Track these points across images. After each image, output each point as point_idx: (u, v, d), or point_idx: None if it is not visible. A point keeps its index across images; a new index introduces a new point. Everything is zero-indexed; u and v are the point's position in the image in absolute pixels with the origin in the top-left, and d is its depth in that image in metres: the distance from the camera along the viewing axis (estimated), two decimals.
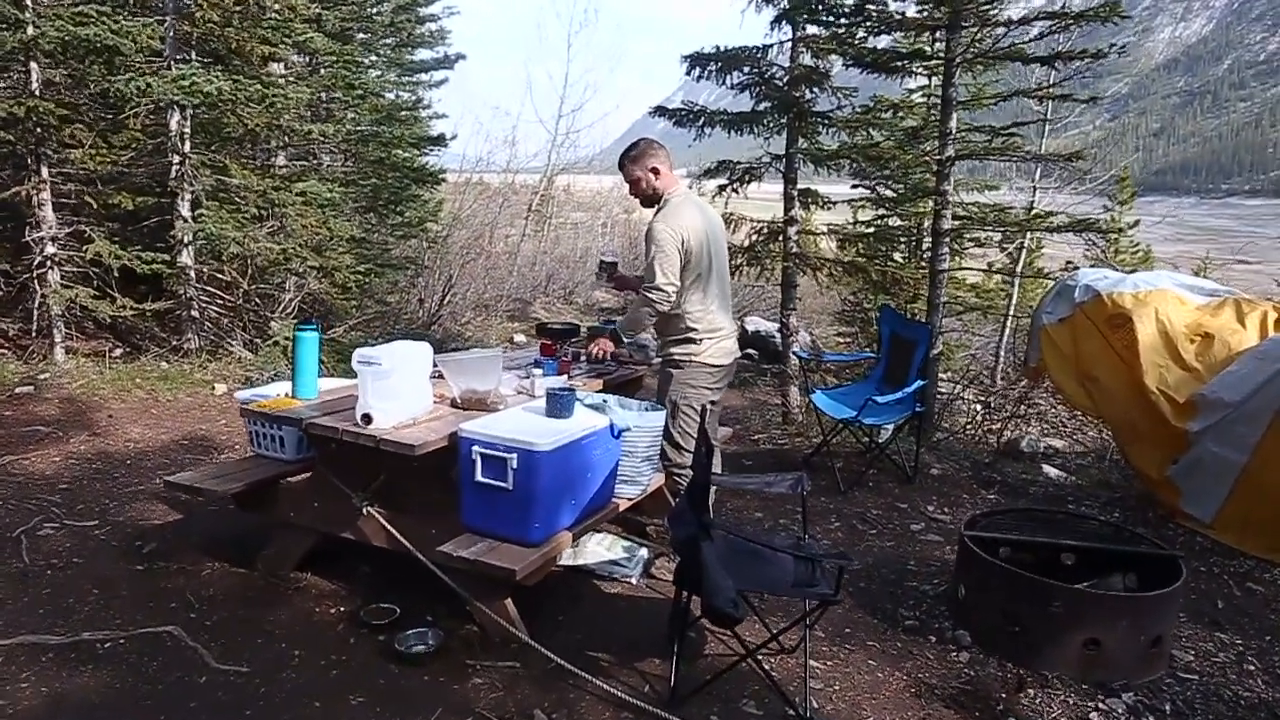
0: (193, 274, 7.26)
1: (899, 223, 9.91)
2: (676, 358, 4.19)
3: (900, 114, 6.66)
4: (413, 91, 10.01)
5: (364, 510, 3.79)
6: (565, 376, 4.49)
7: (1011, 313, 10.23)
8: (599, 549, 4.34)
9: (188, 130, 7.07)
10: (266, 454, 4.30)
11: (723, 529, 3.56)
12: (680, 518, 3.51)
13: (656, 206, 4.19)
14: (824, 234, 7.70)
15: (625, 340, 4.41)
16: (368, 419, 3.48)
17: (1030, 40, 6.07)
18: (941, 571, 4.45)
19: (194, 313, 7.36)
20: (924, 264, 9.32)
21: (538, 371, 4.27)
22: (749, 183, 7.47)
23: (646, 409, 4.19)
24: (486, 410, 3.85)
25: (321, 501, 3.97)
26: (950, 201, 6.14)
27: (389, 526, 3.74)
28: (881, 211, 9.77)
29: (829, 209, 7.90)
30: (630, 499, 4.13)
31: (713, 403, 4.35)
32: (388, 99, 9.49)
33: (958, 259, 8.83)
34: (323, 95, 9.23)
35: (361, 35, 10.05)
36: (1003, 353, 9.78)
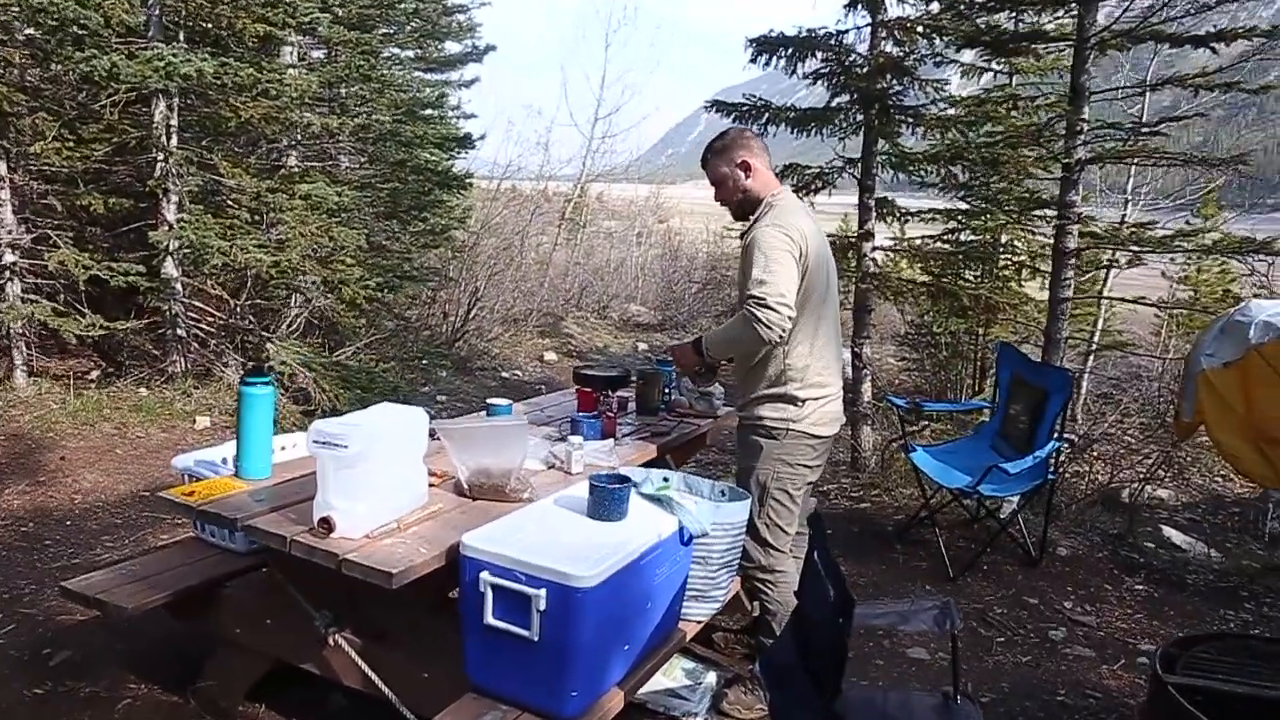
0: (179, 287, 6.14)
1: (971, 238, 8.62)
2: (769, 423, 3.01)
3: (1006, 109, 5.41)
4: (437, 88, 8.88)
5: (330, 639, 2.62)
6: (612, 440, 3.30)
7: (1167, 352, 8.83)
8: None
9: (174, 123, 5.96)
10: (210, 540, 3.16)
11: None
12: (785, 681, 2.31)
13: (755, 214, 3.03)
14: (904, 251, 6.44)
15: (707, 356, 3.09)
16: (328, 525, 2.31)
17: (1175, 18, 4.83)
18: (1107, 709, 3.23)
19: (179, 331, 6.25)
20: (998, 286, 8.07)
21: (575, 441, 3.08)
22: (819, 190, 6.24)
23: (724, 495, 3.00)
24: (505, 501, 2.68)
25: (276, 619, 2.80)
26: (1077, 215, 4.88)
27: (363, 665, 2.57)
28: (952, 225, 8.47)
29: (907, 221, 6.65)
30: (701, 620, 2.94)
31: (810, 483, 3.15)
32: (409, 94, 8.34)
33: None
34: (338, 88, 8.13)
35: (383, 30, 8.94)
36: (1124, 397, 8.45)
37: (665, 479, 3.10)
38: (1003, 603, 4.05)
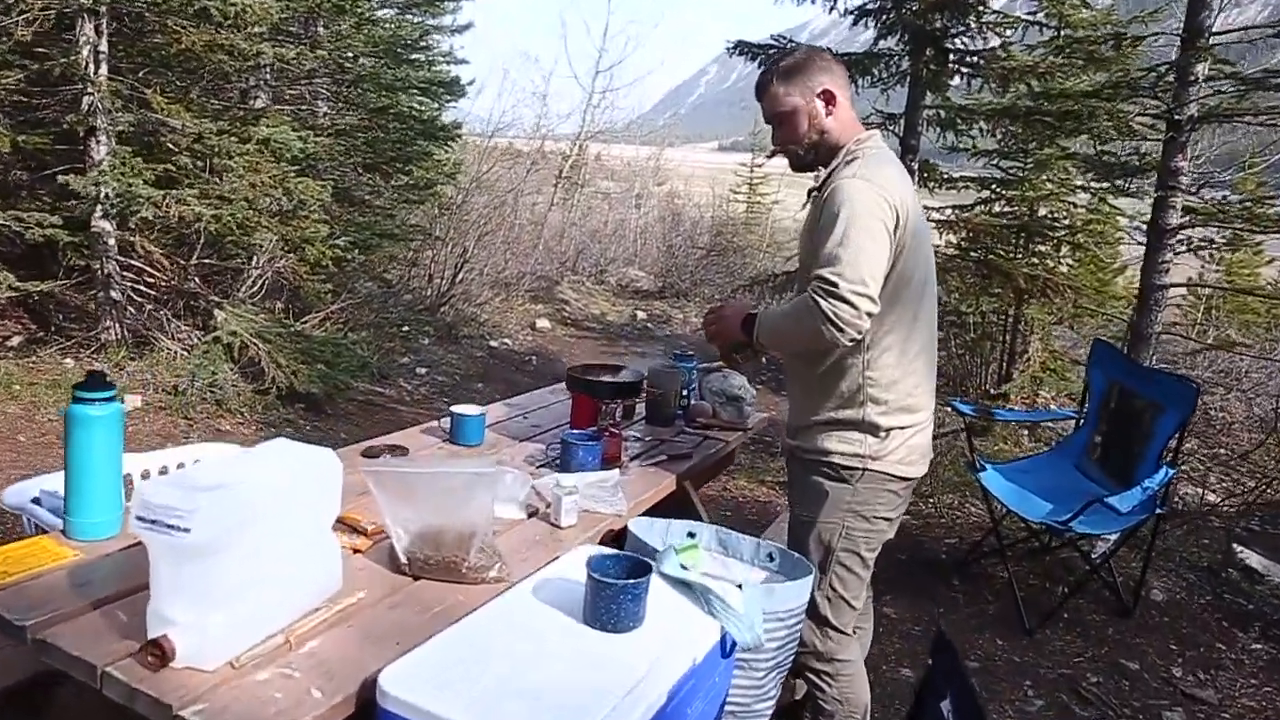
0: (111, 243, 5.17)
1: (1005, 209, 7.66)
2: (838, 460, 2.11)
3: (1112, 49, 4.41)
4: (419, 27, 7.82)
5: None
6: (617, 473, 2.38)
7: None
8: None
9: (103, 49, 4.94)
10: None
11: None
12: None
13: (831, 166, 2.09)
14: (952, 223, 5.50)
15: (759, 343, 2.14)
16: (160, 652, 1.39)
17: None
18: None
19: (113, 294, 5.28)
20: (1034, 261, 7.13)
21: (567, 483, 2.15)
22: None
23: (772, 560, 2.11)
24: (461, 582, 1.77)
25: None
26: (1183, 185, 3.93)
27: None
28: (985, 195, 7.49)
29: (948, 188, 5.71)
30: None
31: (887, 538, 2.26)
32: (389, 32, 7.30)
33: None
34: (313, 23, 7.09)
35: None
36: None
37: (691, 535, 2.21)
38: (1096, 667, 3.17)
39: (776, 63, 2.17)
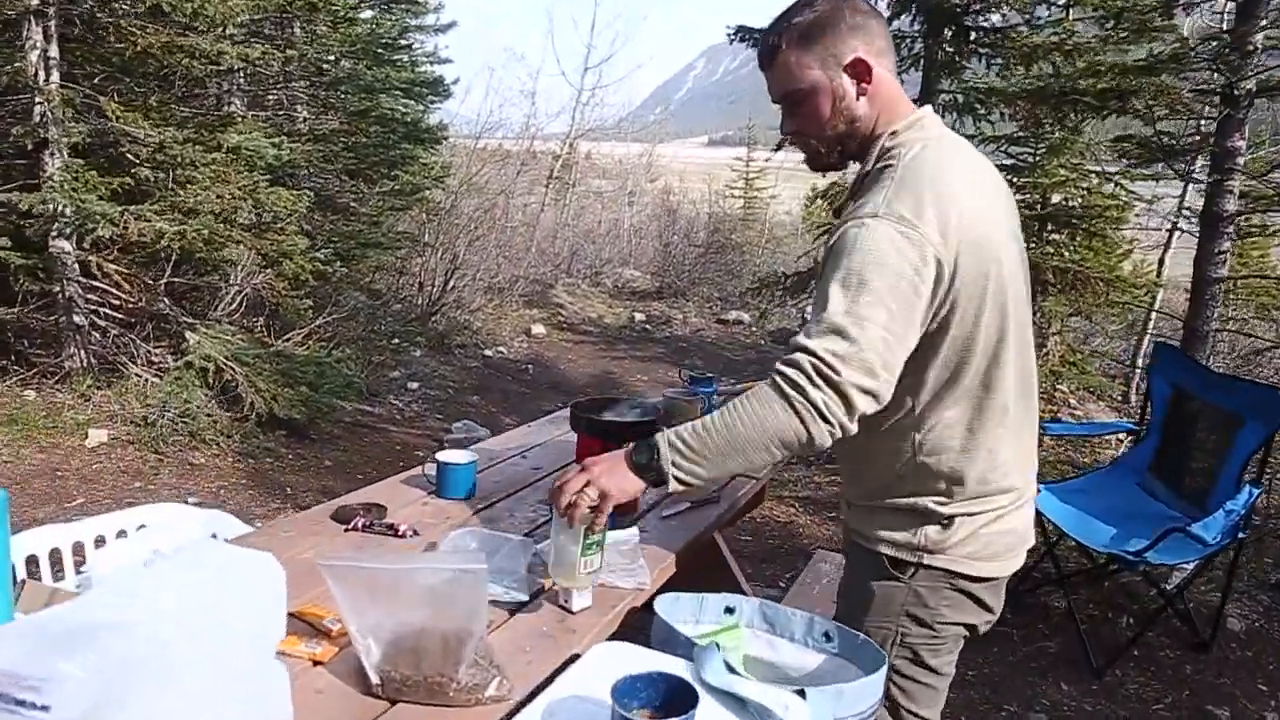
0: (72, 264, 4.74)
1: (1018, 197, 7.24)
2: (885, 549, 1.62)
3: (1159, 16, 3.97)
4: (398, 22, 7.39)
5: None
6: (635, 533, 1.97)
7: None
8: None
9: (53, 54, 4.51)
10: None
11: None
12: None
13: (866, 168, 1.56)
14: None
15: (680, 481, 1.51)
16: None
17: None
18: None
19: (76, 319, 4.86)
20: (1048, 250, 6.73)
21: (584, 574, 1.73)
22: None
23: (828, 639, 1.70)
24: (447, 704, 1.36)
25: None
26: (1240, 167, 3.53)
27: None
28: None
29: None
30: None
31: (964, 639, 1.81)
32: (365, 30, 6.87)
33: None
34: (287, 24, 6.67)
35: None
36: None
37: (729, 610, 1.81)
38: (1180, 716, 2.78)
39: (788, 17, 1.55)
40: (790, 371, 1.40)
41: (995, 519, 1.58)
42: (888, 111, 1.55)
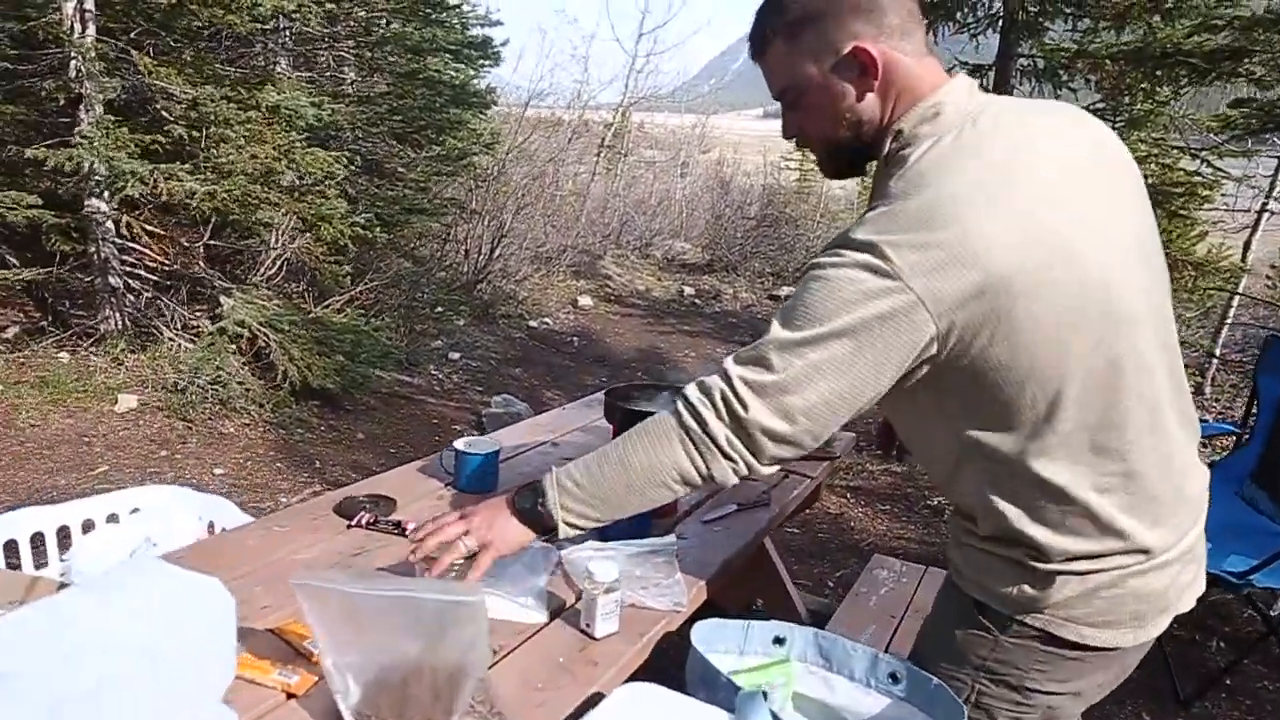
0: (108, 224, 4.60)
1: None
2: (974, 592, 1.31)
3: None
4: None
5: None
6: (674, 540, 1.72)
7: None
8: None
9: (90, 7, 4.34)
10: None
11: None
12: None
13: (884, 170, 1.21)
14: None
15: (568, 524, 1.33)
16: None
17: None
18: None
19: (112, 280, 4.73)
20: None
21: (600, 574, 1.47)
22: None
23: (895, 682, 1.44)
24: None
25: None
26: None
27: None
28: None
29: None
30: None
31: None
32: None
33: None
34: None
35: None
36: None
37: (779, 641, 1.56)
38: None
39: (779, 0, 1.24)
40: (694, 397, 1.20)
41: (1116, 581, 1.23)
42: (905, 98, 1.20)
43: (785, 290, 9.92)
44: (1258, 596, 2.75)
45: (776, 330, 1.16)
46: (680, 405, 1.23)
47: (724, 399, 1.18)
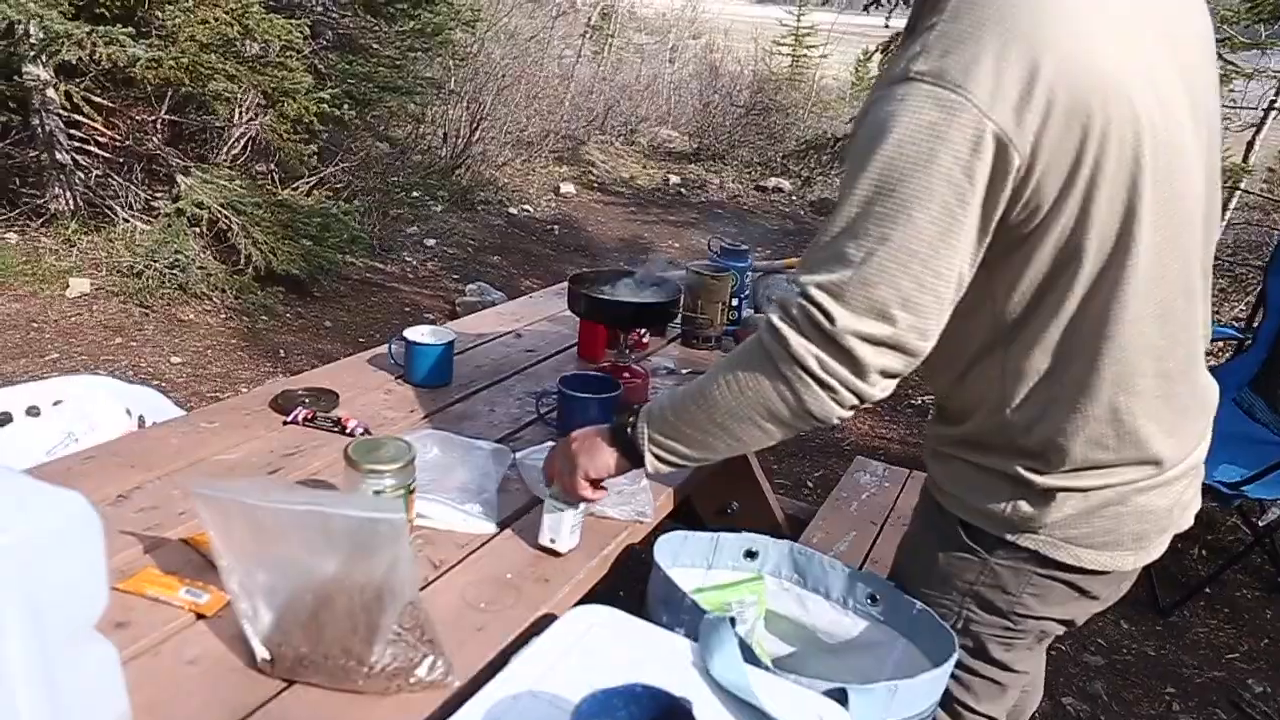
0: (51, 95, 4.27)
1: None
2: (959, 513, 1.18)
3: None
4: None
5: None
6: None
7: None
8: None
9: None
10: None
11: None
12: None
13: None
14: None
15: (658, 458, 1.15)
16: None
17: None
18: None
19: (59, 156, 4.42)
20: None
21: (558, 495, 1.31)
22: None
23: (873, 603, 1.32)
24: (358, 692, 0.99)
25: None
26: None
27: None
28: None
29: None
30: None
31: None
32: None
33: None
34: None
35: None
36: None
37: (751, 555, 1.43)
38: (1258, 669, 2.41)
39: None
40: (776, 318, 1.00)
41: (1122, 498, 1.11)
42: None
43: (773, 181, 9.62)
44: (1246, 507, 2.66)
45: (842, 212, 0.97)
46: (762, 330, 1.03)
47: (804, 314, 0.98)
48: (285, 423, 1.60)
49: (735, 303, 2.20)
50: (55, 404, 1.83)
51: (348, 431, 1.57)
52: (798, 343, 0.98)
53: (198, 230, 4.44)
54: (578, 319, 1.98)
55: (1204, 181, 1.06)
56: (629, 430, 1.16)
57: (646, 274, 1.90)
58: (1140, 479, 1.11)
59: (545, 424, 1.68)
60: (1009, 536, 1.14)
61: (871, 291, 0.95)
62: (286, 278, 4.50)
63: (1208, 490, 2.48)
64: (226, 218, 4.42)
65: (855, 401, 1.01)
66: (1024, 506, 1.12)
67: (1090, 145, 0.93)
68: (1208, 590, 2.66)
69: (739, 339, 2.17)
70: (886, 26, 4.60)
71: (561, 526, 1.28)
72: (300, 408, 1.62)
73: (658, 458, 1.15)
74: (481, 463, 1.47)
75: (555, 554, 1.29)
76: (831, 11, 12.69)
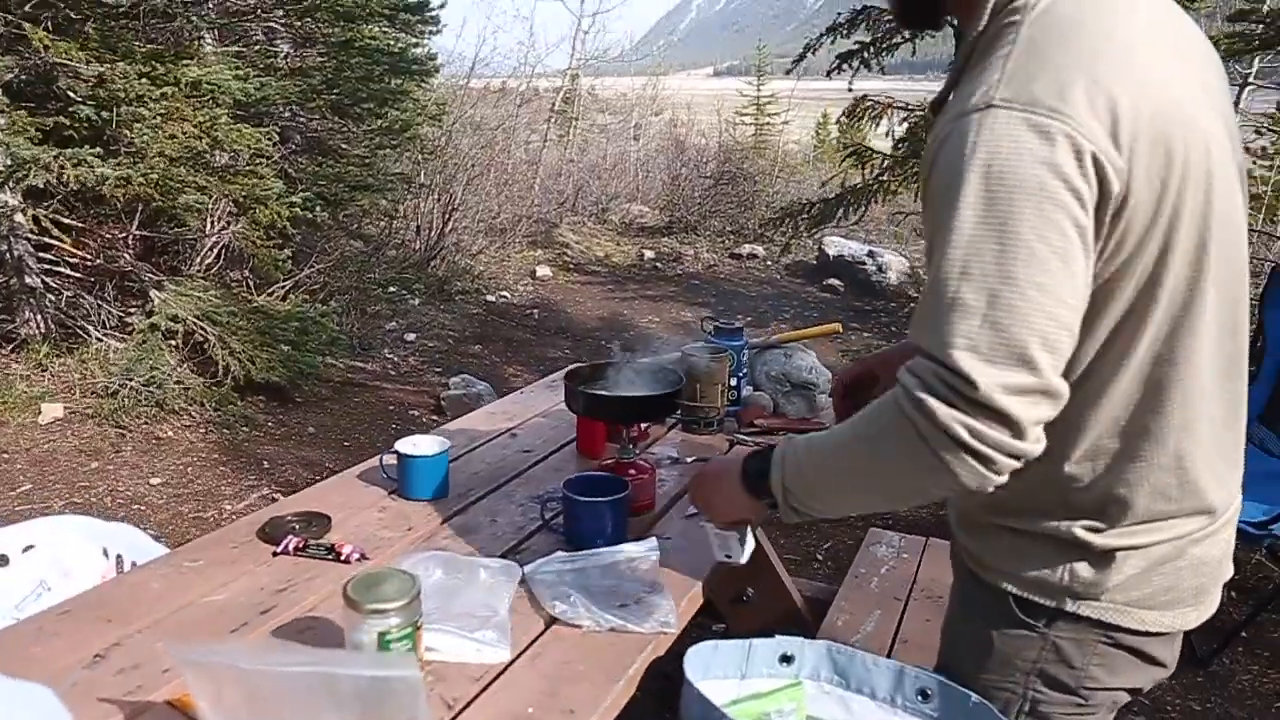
0: (20, 219, 4.21)
1: None
2: (1013, 588, 1.09)
3: None
4: None
5: None
6: (654, 541, 1.47)
7: None
8: None
9: None
10: None
11: None
12: None
13: (972, 31, 1.00)
14: None
15: (792, 510, 1.07)
16: None
17: None
18: None
19: (29, 280, 4.35)
20: None
21: (575, 598, 1.22)
22: (900, 45, 4.26)
23: (929, 702, 1.21)
24: None
25: None
26: None
27: None
28: None
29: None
30: None
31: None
32: None
33: None
34: None
35: None
36: None
37: (786, 660, 1.33)
38: None
39: None
40: (917, 390, 0.89)
41: (1179, 552, 1.05)
42: None
43: (747, 248, 9.68)
44: (1274, 545, 2.58)
45: (948, 258, 0.88)
46: (904, 402, 0.91)
47: (941, 381, 0.88)
48: (275, 553, 1.49)
49: (734, 383, 2.13)
50: (26, 550, 1.72)
51: (343, 559, 1.46)
52: (945, 414, 0.87)
53: (173, 344, 4.35)
54: (569, 421, 1.90)
55: (1238, 210, 1.03)
56: (766, 480, 1.08)
57: (642, 362, 1.83)
58: (1196, 530, 1.05)
59: (551, 530, 1.58)
60: (1069, 606, 1.07)
61: (1008, 336, 0.86)
62: (266, 386, 4.41)
63: (1239, 533, 2.40)
64: (203, 329, 4.34)
65: (1015, 466, 0.90)
66: (1082, 572, 1.05)
67: (1173, 177, 0.91)
68: (1244, 635, 2.56)
69: (742, 420, 2.10)
70: (850, 90, 4.67)
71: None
72: (290, 536, 1.51)
73: (793, 508, 1.08)
74: (489, 582, 1.37)
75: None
76: (790, 79, 12.96)
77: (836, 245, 8.71)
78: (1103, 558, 1.04)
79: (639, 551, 1.46)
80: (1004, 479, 0.91)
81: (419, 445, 1.73)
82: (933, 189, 0.93)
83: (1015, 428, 0.87)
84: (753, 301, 7.86)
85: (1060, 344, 0.88)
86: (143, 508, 3.33)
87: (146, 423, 3.96)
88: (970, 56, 1.01)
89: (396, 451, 1.71)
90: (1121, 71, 0.90)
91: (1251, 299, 1.54)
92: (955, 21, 1.14)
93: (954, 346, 0.87)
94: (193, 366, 4.37)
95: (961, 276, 0.87)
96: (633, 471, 1.65)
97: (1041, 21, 0.94)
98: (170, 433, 3.94)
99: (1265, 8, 3.25)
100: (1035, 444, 0.89)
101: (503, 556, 1.48)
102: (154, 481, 3.51)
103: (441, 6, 7.22)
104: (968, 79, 0.97)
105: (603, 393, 1.67)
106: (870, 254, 8.45)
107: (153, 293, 4.38)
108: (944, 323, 0.88)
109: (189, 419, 4.07)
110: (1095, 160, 0.87)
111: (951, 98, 1.00)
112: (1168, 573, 1.05)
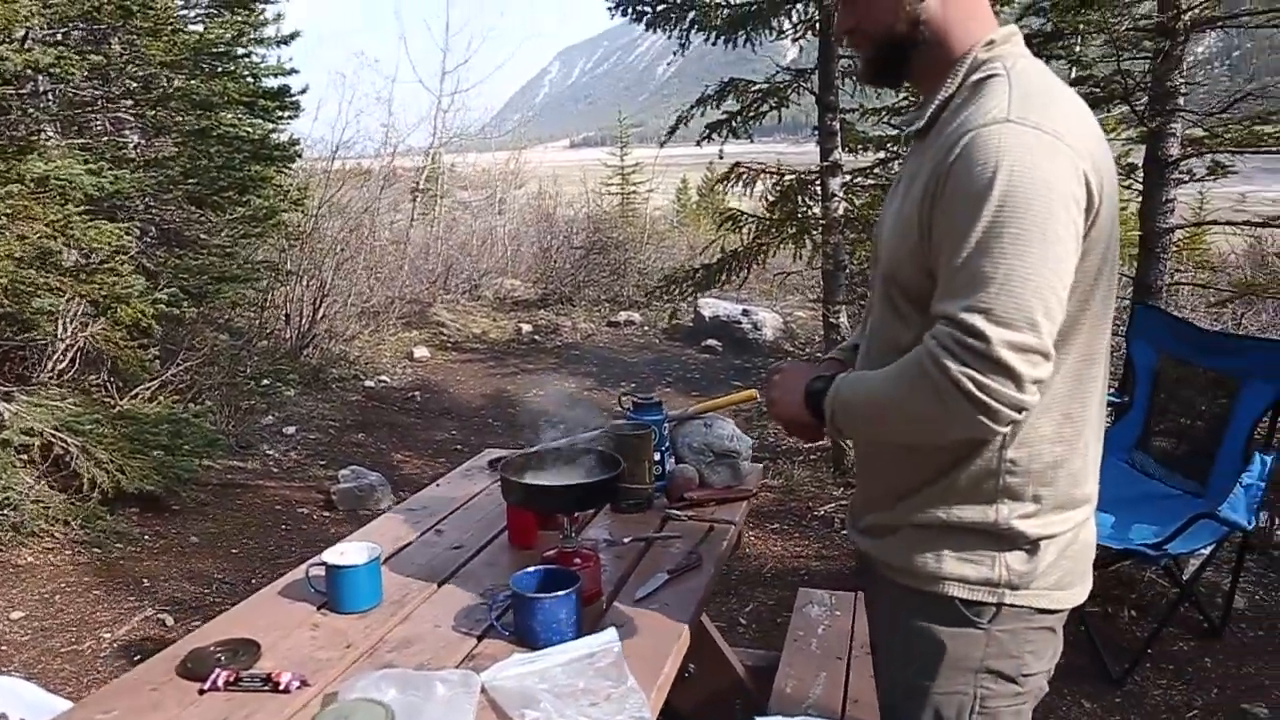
0: None
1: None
2: (955, 589, 1.20)
3: None
4: (232, 26, 6.49)
5: None
6: (614, 634, 1.41)
7: None
8: None
9: None
10: None
11: None
12: None
13: (948, 83, 1.17)
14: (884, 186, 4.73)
15: (835, 430, 1.25)
16: None
17: None
18: None
19: None
20: None
21: (542, 704, 1.16)
22: (767, 113, 4.44)
23: None
24: None
25: None
26: (1182, 106, 3.23)
27: None
28: (882, 155, 6.80)
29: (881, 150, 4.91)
30: None
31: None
32: (193, 36, 6.00)
33: None
34: (99, 27, 5.75)
35: None
36: None
37: None
38: (1216, 718, 2.42)
39: None
40: (934, 349, 1.05)
41: (1075, 536, 1.22)
42: (968, 19, 1.19)
43: (624, 315, 9.77)
44: (1169, 565, 2.75)
45: (971, 238, 1.04)
46: (930, 354, 1.05)
47: (954, 339, 1.03)
48: (202, 690, 1.35)
49: (658, 457, 2.11)
50: None
51: (282, 688, 1.34)
52: (956, 370, 1.02)
53: (29, 459, 3.98)
54: (501, 505, 1.83)
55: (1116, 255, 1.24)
56: (821, 400, 1.22)
57: (573, 446, 1.78)
58: (1083, 518, 1.23)
59: (501, 632, 1.50)
60: (1008, 599, 1.18)
61: (1019, 300, 1.01)
62: (140, 496, 4.07)
63: (1129, 554, 2.53)
64: (63, 441, 3.98)
65: (1016, 417, 1.04)
66: (1015, 563, 1.18)
67: (1107, 204, 1.11)
68: (1149, 650, 2.69)
69: (671, 495, 2.07)
70: (720, 157, 4.82)
71: None
72: (217, 669, 1.38)
73: (839, 430, 1.24)
74: (448, 695, 1.28)
75: None
76: (649, 148, 13.33)
77: (711, 306, 8.91)
78: (1032, 546, 1.18)
79: (600, 644, 1.40)
80: (1005, 429, 1.06)
81: (346, 554, 1.61)
82: (954, 185, 1.07)
83: (1018, 381, 1.01)
84: (634, 367, 7.91)
85: (1057, 316, 1.04)
86: (4, 648, 2.98)
87: (3, 549, 3.57)
88: (943, 109, 1.17)
89: (324, 562, 1.60)
90: (1085, 117, 1.13)
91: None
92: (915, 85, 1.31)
93: (970, 309, 1.02)
94: (53, 482, 3.99)
95: (978, 253, 1.03)
96: (578, 560, 1.59)
97: (1020, 75, 1.13)
98: (30, 558, 3.57)
99: (1100, 74, 3.57)
100: (1032, 397, 1.03)
101: (457, 666, 1.39)
102: (14, 616, 3.16)
103: (302, 92, 7.07)
104: (956, 112, 1.13)
105: (546, 483, 1.61)
106: (745, 312, 8.68)
107: (2, 405, 4.01)
108: (963, 290, 1.04)
109: (51, 540, 3.70)
110: (1085, 176, 1.07)
111: (936, 127, 1.17)
112: (1070, 556, 1.21)
